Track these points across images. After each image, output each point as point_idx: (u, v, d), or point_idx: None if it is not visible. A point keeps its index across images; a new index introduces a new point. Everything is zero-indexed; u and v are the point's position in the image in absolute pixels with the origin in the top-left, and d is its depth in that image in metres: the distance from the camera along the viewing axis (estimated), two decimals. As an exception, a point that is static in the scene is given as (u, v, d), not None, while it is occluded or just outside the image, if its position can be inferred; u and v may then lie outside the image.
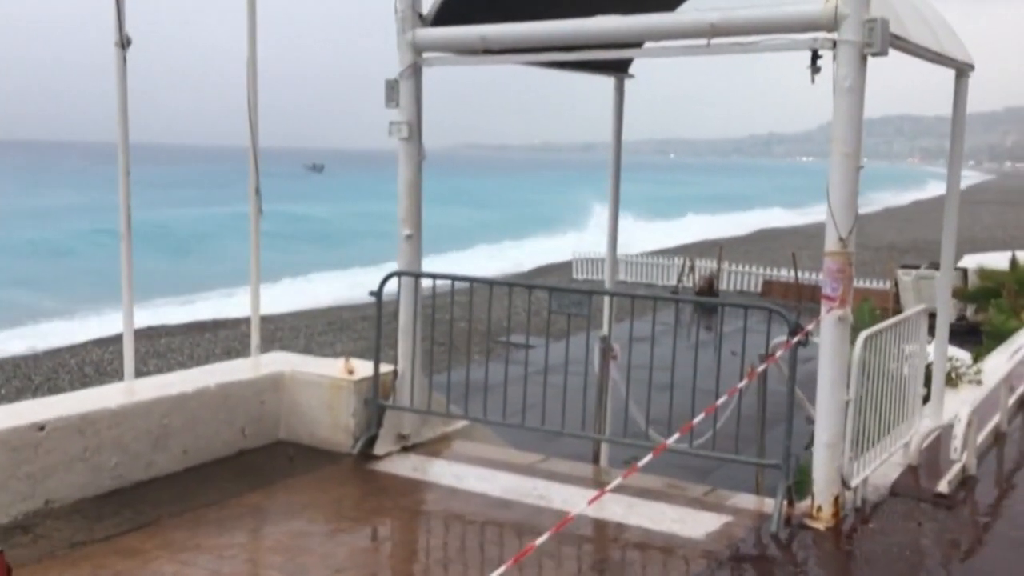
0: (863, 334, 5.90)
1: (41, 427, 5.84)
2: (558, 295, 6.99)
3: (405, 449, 7.23)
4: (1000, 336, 12.92)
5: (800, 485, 6.25)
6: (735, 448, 6.54)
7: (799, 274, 28.74)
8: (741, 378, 6.12)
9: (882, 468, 6.45)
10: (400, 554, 5.75)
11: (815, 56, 5.80)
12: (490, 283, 7.77)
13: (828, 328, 5.81)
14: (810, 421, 6.39)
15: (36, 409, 6.11)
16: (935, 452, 7.19)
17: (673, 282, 32.33)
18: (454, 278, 7.42)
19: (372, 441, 7.11)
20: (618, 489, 5.42)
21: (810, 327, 5.90)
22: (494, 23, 6.83)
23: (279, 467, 6.87)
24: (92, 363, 23.15)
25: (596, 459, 9.01)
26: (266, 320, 27.81)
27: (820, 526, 5.82)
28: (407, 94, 7.18)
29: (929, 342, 7.55)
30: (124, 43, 7.02)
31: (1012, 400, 8.60)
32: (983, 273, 20.00)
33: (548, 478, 6.73)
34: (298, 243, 56.08)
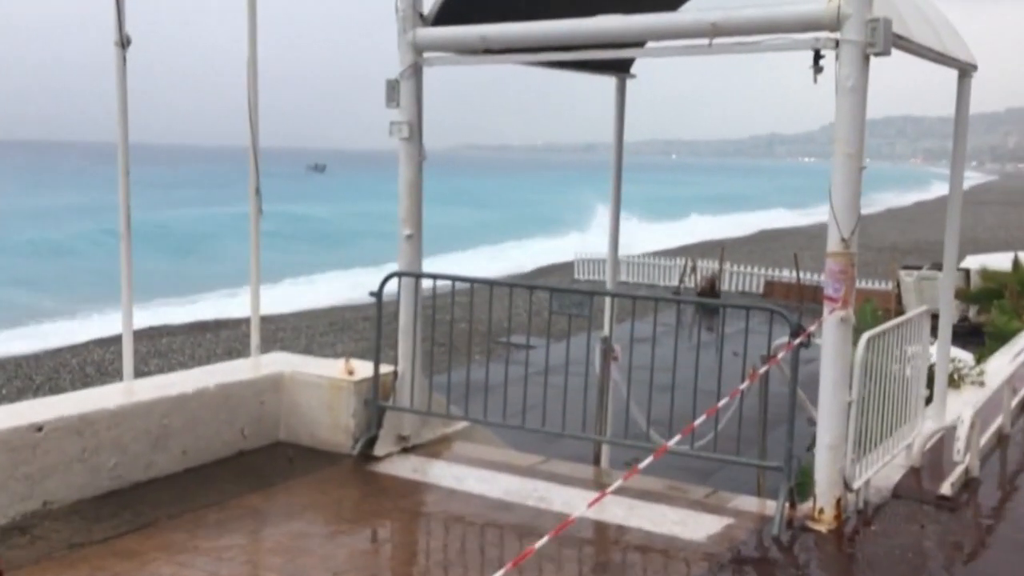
0: (865, 335, 5.87)
1: (39, 428, 5.82)
2: (559, 296, 6.96)
3: (405, 450, 7.20)
4: (1003, 337, 12.88)
5: (802, 487, 6.21)
6: (737, 449, 6.51)
7: (801, 275, 28.72)
8: (743, 379, 6.09)
9: (884, 470, 6.41)
10: (400, 556, 5.72)
11: (817, 56, 5.77)
12: (490, 284, 7.74)
13: (830, 329, 5.77)
14: (812, 422, 6.36)
15: (34, 410, 6.08)
16: (938, 454, 7.16)
17: (675, 283, 32.31)
18: (455, 278, 7.39)
19: (372, 442, 7.08)
20: (619, 491, 5.39)
21: (812, 328, 5.87)
22: (495, 23, 6.80)
23: (279, 468, 6.85)
24: (94, 363, 23.15)
25: (597, 460, 8.99)
26: (268, 320, 27.88)
27: (822, 528, 5.79)
28: (408, 94, 7.15)
29: (931, 343, 7.51)
30: (124, 43, 7.00)
31: (1015, 402, 8.56)
32: (985, 274, 19.98)
33: (548, 480, 6.71)
34: (300, 243, 56.11)
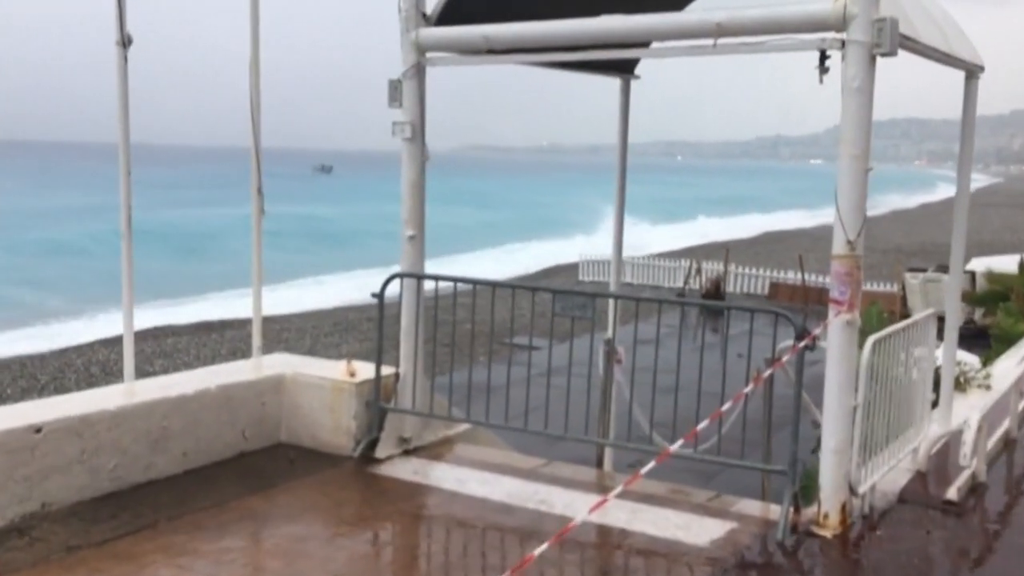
0: (871, 338, 5.82)
1: (38, 429, 5.77)
2: (562, 297, 6.92)
3: (406, 452, 7.15)
4: (1009, 340, 12.83)
5: (807, 489, 6.16)
6: (741, 452, 6.45)
7: (806, 276, 28.65)
8: (747, 381, 6.04)
9: (890, 474, 6.36)
10: (400, 560, 5.68)
11: (823, 56, 5.72)
12: (493, 285, 7.69)
13: (836, 332, 5.72)
14: (816, 425, 6.30)
15: (34, 411, 6.05)
16: (944, 458, 7.10)
17: (679, 284, 32.26)
18: (457, 280, 7.35)
19: (373, 444, 7.04)
20: (622, 494, 5.33)
21: (817, 331, 5.81)
22: (498, 23, 6.76)
23: (280, 470, 6.80)
24: (98, 363, 23.18)
25: (600, 463, 8.95)
26: (273, 321, 27.93)
27: (827, 533, 5.73)
28: (410, 94, 7.11)
29: (937, 346, 7.45)
30: (125, 42, 6.96)
31: (1022, 405, 8.49)
32: (991, 276, 19.90)
33: (550, 483, 6.66)
34: (306, 244, 56.18)
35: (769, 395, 7.37)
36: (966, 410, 7.34)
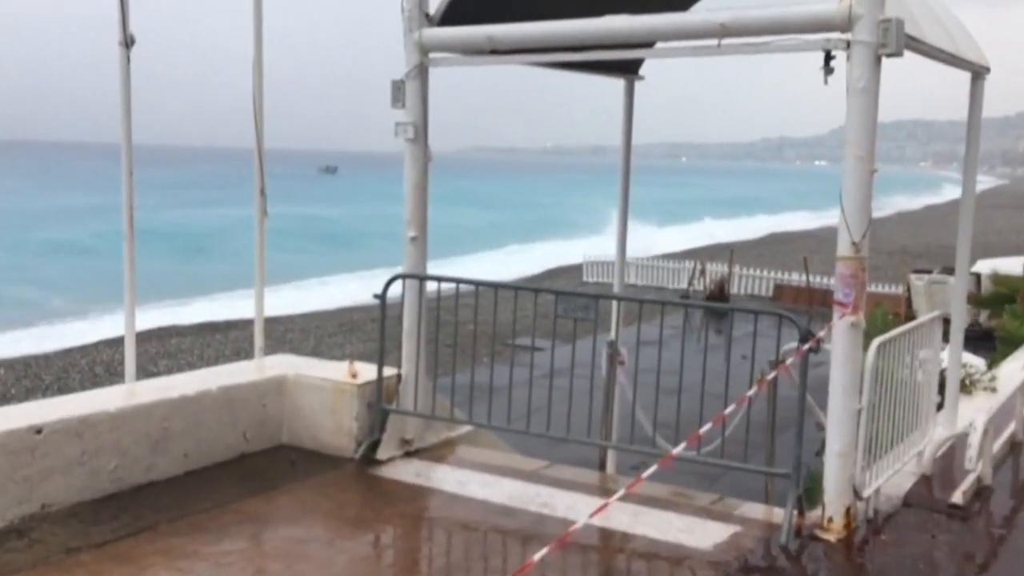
0: (876, 341, 5.78)
1: (39, 430, 5.75)
2: (564, 299, 6.88)
3: (408, 454, 7.12)
4: (1014, 342, 12.77)
5: (811, 492, 6.12)
6: (744, 454, 6.42)
7: (811, 278, 28.59)
8: (751, 383, 6.00)
9: (895, 478, 6.32)
10: (400, 563, 5.65)
11: (828, 57, 5.68)
12: (495, 286, 7.66)
13: (840, 335, 5.68)
14: (820, 427, 6.26)
15: (34, 411, 6.02)
16: (949, 461, 7.06)
17: (684, 286, 32.21)
18: (459, 281, 7.32)
19: (375, 446, 7.01)
20: (624, 497, 5.29)
21: (821, 334, 5.77)
22: (502, 23, 6.72)
23: (281, 472, 6.77)
24: (103, 363, 23.16)
25: (602, 465, 8.91)
26: (278, 321, 27.92)
27: (831, 538, 5.69)
28: (413, 95, 7.08)
29: (942, 348, 7.41)
30: (128, 42, 6.94)
31: (1028, 408, 8.44)
32: (997, 278, 19.85)
33: (552, 485, 6.62)
34: (311, 245, 56.22)
35: (773, 397, 7.32)
36: (971, 413, 7.29)
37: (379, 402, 7.09)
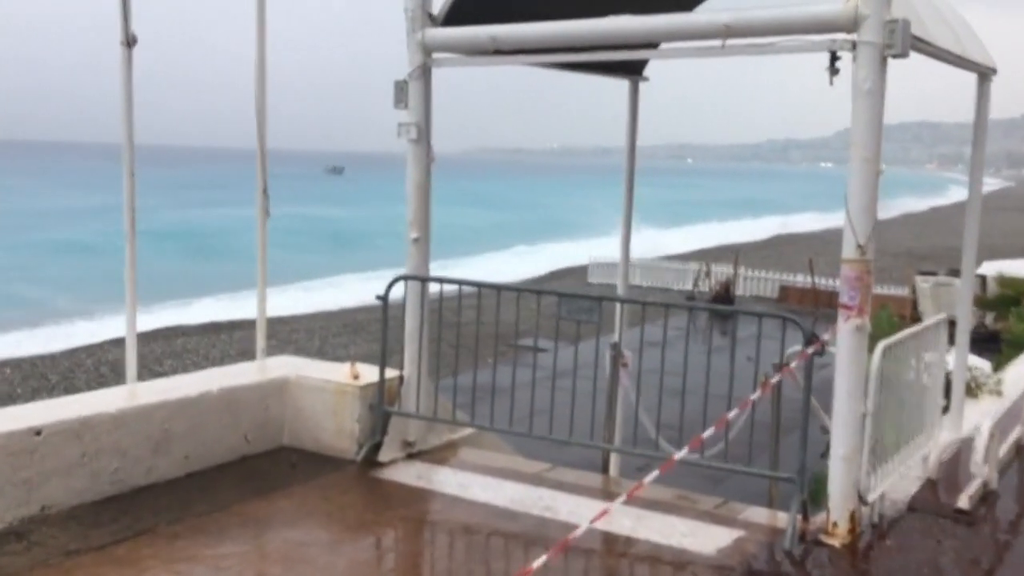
0: (881, 344, 5.72)
1: (38, 431, 5.72)
2: (567, 301, 6.83)
3: (410, 456, 7.09)
4: (1020, 345, 12.72)
5: (815, 495, 6.07)
6: (748, 456, 6.37)
7: (816, 280, 28.51)
8: (755, 384, 5.96)
9: (900, 482, 6.27)
10: (401, 566, 5.61)
11: (834, 58, 5.63)
12: (498, 288, 7.62)
13: (845, 338, 5.62)
14: (825, 430, 6.21)
15: (34, 413, 5.99)
16: (955, 465, 7.00)
17: (689, 287, 32.16)
18: (461, 282, 7.29)
19: (377, 448, 6.97)
20: (626, 500, 5.26)
21: (826, 336, 5.72)
22: (505, 23, 6.68)
23: (282, 474, 6.74)
24: (109, 363, 23.16)
25: (606, 468, 8.86)
26: (283, 321, 27.92)
27: (835, 543, 5.64)
28: (416, 95, 7.05)
29: (948, 351, 7.35)
30: (130, 42, 6.91)
31: (1034, 412, 8.38)
32: (1003, 280, 19.78)
33: (555, 488, 6.58)
34: (317, 244, 56.27)
35: (777, 399, 7.29)
36: (977, 416, 7.24)
37: (381, 404, 7.06)
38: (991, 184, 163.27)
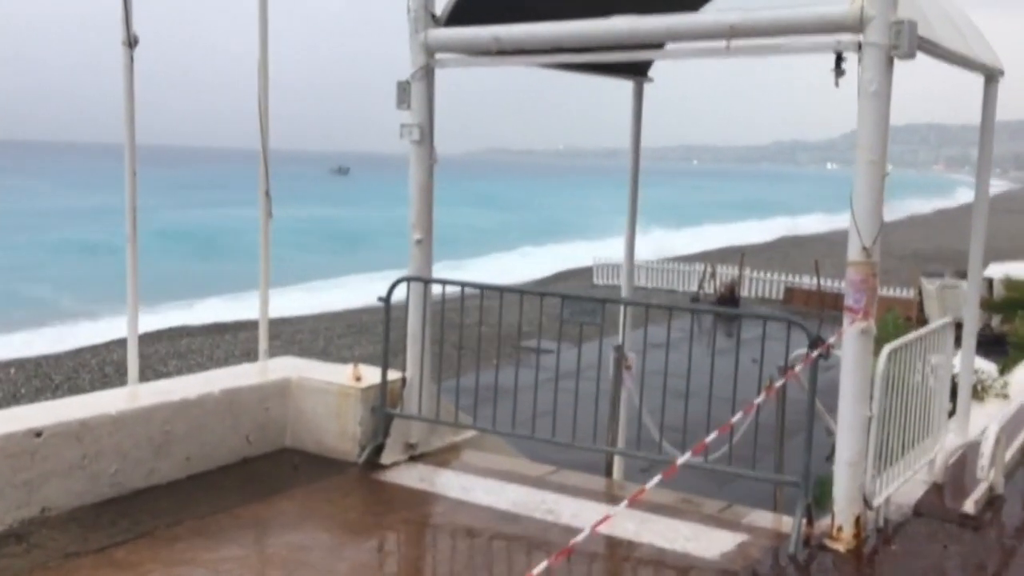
0: (887, 348, 5.67)
1: (38, 433, 5.69)
2: (570, 303, 6.79)
3: (412, 458, 7.05)
4: (1027, 348, 12.64)
5: (820, 498, 6.02)
6: (752, 459, 6.32)
7: (822, 281, 28.45)
8: (759, 386, 5.91)
9: (905, 486, 6.21)
10: (403, 570, 5.58)
11: (839, 59, 5.59)
12: (500, 290, 7.58)
13: (850, 341, 5.58)
14: (830, 433, 6.16)
15: (34, 414, 5.97)
16: (961, 470, 6.94)
17: (694, 288, 32.10)
18: (464, 284, 7.25)
19: (379, 450, 6.93)
20: (629, 504, 5.22)
21: (831, 340, 5.67)
22: (508, 23, 6.65)
23: (283, 476, 6.71)
24: (113, 363, 23.17)
25: (609, 470, 8.82)
26: (287, 322, 27.92)
27: (840, 548, 5.59)
28: (419, 96, 7.01)
29: (954, 353, 7.29)
30: (131, 42, 6.88)
31: (1041, 416, 8.31)
32: (1009, 283, 19.71)
33: (558, 491, 6.54)
34: (322, 245, 56.29)
35: (782, 402, 7.23)
36: (984, 420, 7.17)
37: (383, 406, 7.02)
38: (998, 186, 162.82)
